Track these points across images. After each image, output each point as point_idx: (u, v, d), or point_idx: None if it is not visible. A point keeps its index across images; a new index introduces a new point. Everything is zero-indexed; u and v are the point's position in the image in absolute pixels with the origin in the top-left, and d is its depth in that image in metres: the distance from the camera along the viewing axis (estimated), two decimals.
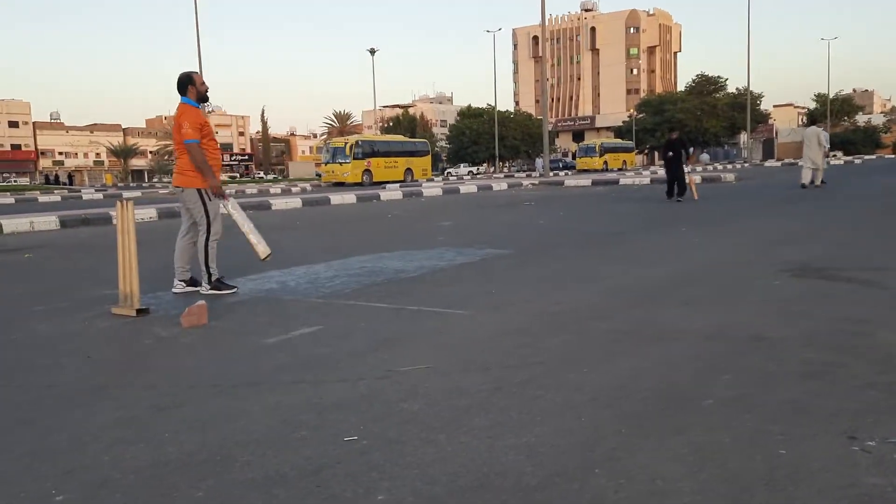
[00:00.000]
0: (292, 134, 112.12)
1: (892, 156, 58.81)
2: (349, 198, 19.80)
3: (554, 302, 4.64)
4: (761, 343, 3.42)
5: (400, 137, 45.43)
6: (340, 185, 33.33)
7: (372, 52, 57.22)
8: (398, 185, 31.49)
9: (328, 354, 3.53)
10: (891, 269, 5.39)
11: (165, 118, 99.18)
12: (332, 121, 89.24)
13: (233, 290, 5.36)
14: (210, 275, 5.36)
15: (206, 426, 2.58)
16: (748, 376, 2.92)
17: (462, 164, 70.45)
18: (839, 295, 4.54)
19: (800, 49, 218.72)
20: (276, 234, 9.70)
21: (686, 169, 16.00)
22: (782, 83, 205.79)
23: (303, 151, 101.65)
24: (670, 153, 15.61)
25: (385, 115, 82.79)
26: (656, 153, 79.34)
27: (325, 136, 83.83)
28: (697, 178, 18.52)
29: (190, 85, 5.40)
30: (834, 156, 50.95)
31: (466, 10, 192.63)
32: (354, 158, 35.23)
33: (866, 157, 54.32)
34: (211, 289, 5.32)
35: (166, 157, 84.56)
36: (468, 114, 72.10)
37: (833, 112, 68.77)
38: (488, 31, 67.31)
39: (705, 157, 69.96)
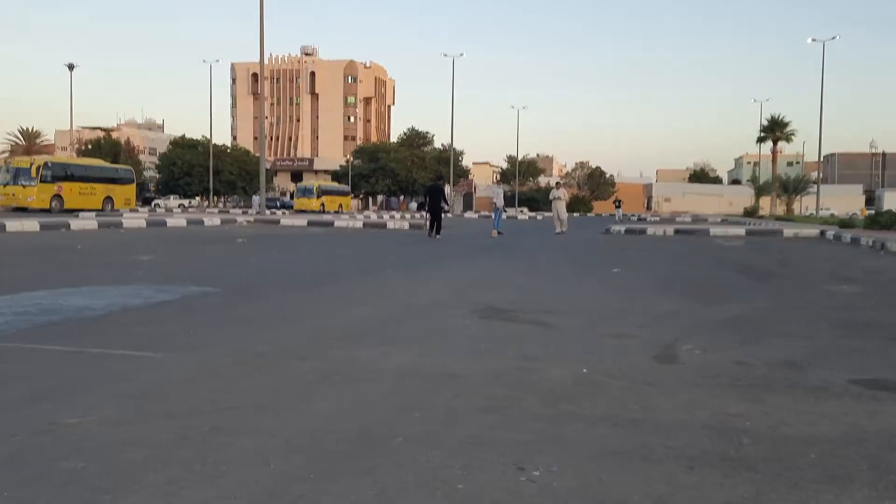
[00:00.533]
0: None
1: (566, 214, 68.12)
2: (31, 225, 17.40)
3: (257, 342, 4.46)
4: (451, 380, 3.61)
5: (100, 162, 41.31)
6: (22, 211, 29.18)
7: (70, 67, 51.69)
8: (94, 213, 28.47)
9: None
10: (560, 311, 6.11)
11: None
12: (17, 137, 78.28)
13: None
14: None
15: None
16: (437, 413, 3.04)
17: (172, 196, 66.20)
18: (519, 334, 5.01)
19: (496, 114, 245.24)
20: None
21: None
22: (481, 143, 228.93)
23: None
24: (429, 197, 18.54)
25: (84, 137, 74.90)
26: (370, 199, 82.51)
27: (6, 155, 72.97)
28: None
29: None
30: (521, 211, 57.70)
31: (182, 35, 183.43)
32: (42, 181, 31.22)
33: (547, 214, 62.12)
34: None
35: None
36: (182, 144, 68.33)
37: (521, 173, 77.62)
38: (205, 62, 64.83)
39: (414, 205, 74.40)
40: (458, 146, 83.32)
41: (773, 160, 61.58)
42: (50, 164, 33.03)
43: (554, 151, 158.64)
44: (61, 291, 6.48)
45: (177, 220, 23.42)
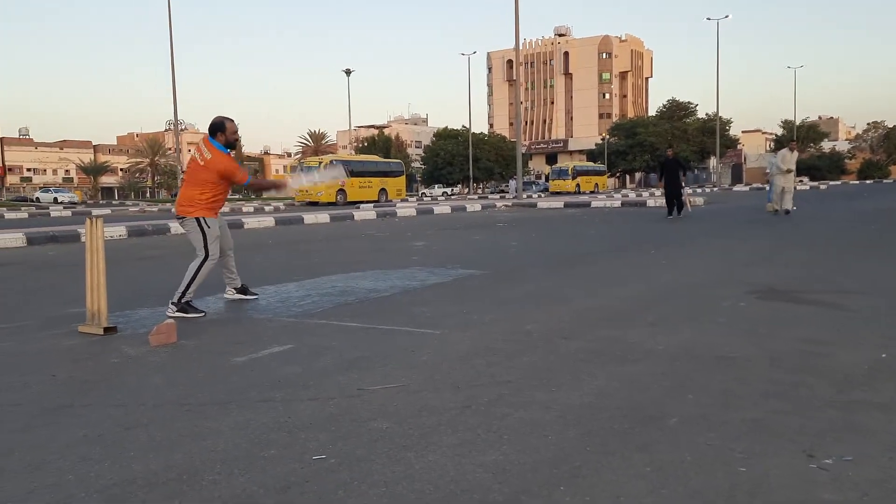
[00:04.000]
0: (266, 153, 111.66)
1: (857, 182, 60.26)
2: (323, 217, 19.76)
3: (524, 322, 4.68)
4: (726, 363, 3.49)
5: (374, 157, 45.49)
6: (314, 205, 33.24)
7: (348, 72, 57.47)
8: (372, 205, 31.49)
9: (298, 373, 3.52)
10: (851, 291, 5.52)
11: (137, 135, 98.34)
12: (307, 140, 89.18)
13: (200, 315, 5.31)
14: (183, 294, 5.33)
15: (173, 445, 2.57)
16: (713, 396, 2.98)
17: (436, 185, 70.72)
18: (802, 317, 4.64)
19: (767, 77, 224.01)
20: (246, 253, 9.67)
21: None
22: (750, 110, 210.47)
23: (276, 170, 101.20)
24: (667, 173, 16.42)
25: (360, 136, 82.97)
26: (628, 176, 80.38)
27: (299, 156, 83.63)
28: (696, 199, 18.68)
29: (220, 132, 5.60)
30: (800, 181, 52.10)
31: (441, 32, 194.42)
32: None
33: (832, 182, 55.58)
34: (177, 310, 5.28)
35: (137, 175, 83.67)
36: (443, 135, 72.53)
37: (799, 138, 70.35)
38: (463, 55, 68.05)
39: None
40: (725, 114, 77.92)
41: None
42: (334, 162, 37.11)
43: (839, 113, 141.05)
44: (352, 275, 7.35)
45: (442, 208, 25.00)
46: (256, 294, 6.07)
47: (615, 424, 2.66)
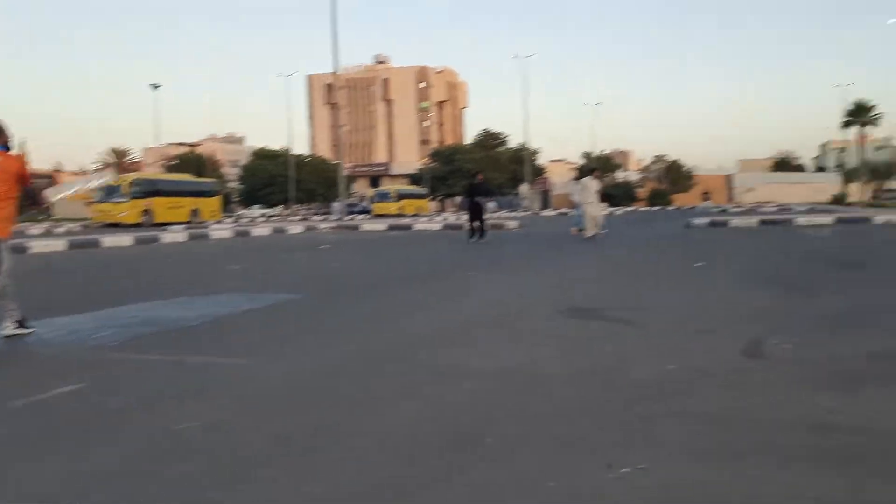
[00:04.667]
0: (57, 170, 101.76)
1: (645, 208, 66.55)
2: (125, 240, 18.37)
3: (343, 346, 4.62)
4: (538, 381, 3.65)
5: (186, 176, 43.23)
6: (115, 227, 30.83)
7: (154, 86, 54.37)
8: (184, 226, 29.81)
9: (91, 416, 3.19)
10: (645, 309, 6.03)
11: None
12: (109, 156, 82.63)
13: None
14: None
15: None
16: (526, 414, 3.08)
17: (255, 206, 68.54)
18: (605, 333, 4.99)
19: (571, 111, 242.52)
20: (31, 281, 8.73)
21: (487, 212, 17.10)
22: (557, 141, 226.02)
23: (76, 189, 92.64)
24: (473, 197, 16.51)
25: (170, 154, 78.43)
26: (447, 201, 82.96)
27: (97, 173, 77.18)
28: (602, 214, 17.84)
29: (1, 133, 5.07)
30: (605, 207, 56.72)
31: (258, 52, 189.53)
32: (132, 197, 32.93)
33: (626, 209, 60.96)
34: None
35: None
36: (262, 155, 70.66)
37: (594, 170, 76.48)
38: (280, 76, 66.71)
39: (492, 205, 74.31)
40: (532, 145, 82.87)
41: (861, 145, 58.62)
42: (139, 181, 34.75)
43: (631, 146, 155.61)
44: (156, 304, 6.85)
45: (261, 230, 24.26)
46: (34, 327, 5.23)
47: (433, 447, 2.68)
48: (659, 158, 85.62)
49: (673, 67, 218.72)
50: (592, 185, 17.38)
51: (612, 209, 54.11)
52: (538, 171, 77.59)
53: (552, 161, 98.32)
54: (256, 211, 66.68)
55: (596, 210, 17.09)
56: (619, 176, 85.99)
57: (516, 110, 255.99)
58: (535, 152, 74.55)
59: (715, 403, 3.16)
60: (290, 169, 62.51)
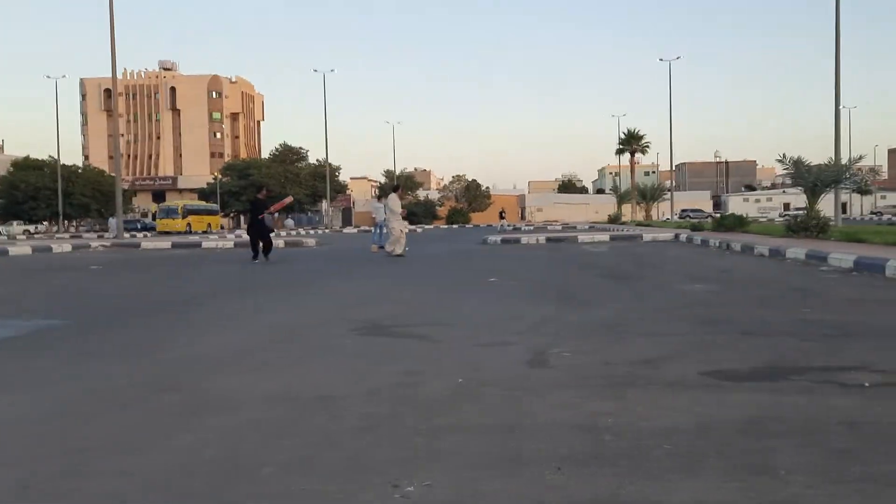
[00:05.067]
0: None
1: (446, 226, 69.01)
2: None
3: (113, 377, 4.18)
4: (326, 402, 3.54)
5: None
6: None
7: None
8: None
9: None
10: (440, 324, 6.16)
11: None
12: None
13: None
14: None
15: None
16: (311, 438, 2.97)
17: (16, 222, 61.24)
18: (399, 350, 4.99)
19: (373, 129, 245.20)
20: None
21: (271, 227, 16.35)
22: (358, 158, 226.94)
23: None
24: (256, 214, 15.72)
25: None
26: (242, 217, 79.93)
27: None
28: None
29: None
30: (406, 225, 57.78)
31: (21, 50, 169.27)
32: None
33: (427, 226, 62.76)
34: None
35: None
36: (25, 165, 63.40)
37: (398, 187, 77.96)
38: (49, 77, 60.38)
39: (290, 222, 72.88)
40: (334, 161, 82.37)
41: (632, 170, 65.67)
42: None
43: (432, 165, 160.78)
44: None
45: (21, 248, 21.64)
46: None
47: (207, 483, 2.46)
48: (458, 178, 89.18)
49: (472, 90, 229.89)
50: (395, 202, 17.18)
51: (413, 227, 55.45)
52: (340, 188, 77.36)
53: (354, 178, 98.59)
54: (17, 227, 59.59)
55: (398, 227, 16.93)
56: (421, 194, 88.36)
57: (317, 126, 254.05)
58: (336, 168, 74.22)
59: (500, 414, 3.25)
60: (59, 181, 56.62)
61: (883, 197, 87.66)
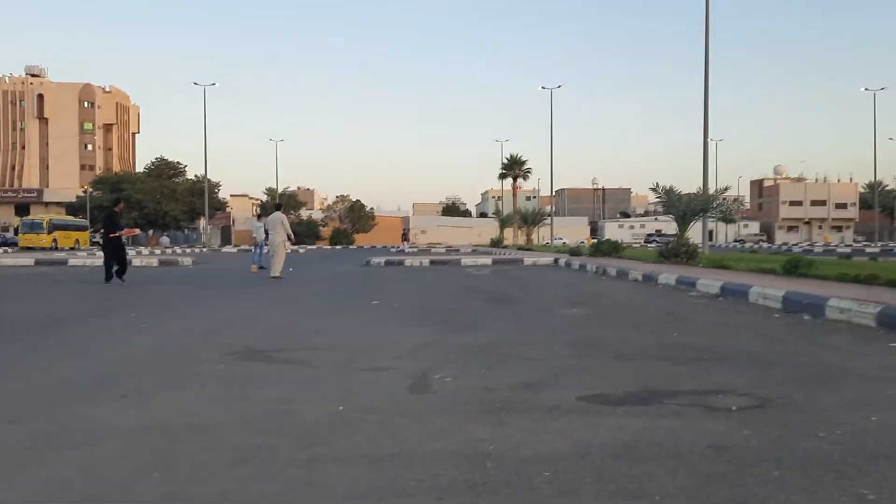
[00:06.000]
0: None
1: (329, 247, 68.13)
2: None
3: None
4: (199, 431, 3.37)
5: None
6: None
7: None
8: None
9: None
10: (319, 348, 6.03)
11: None
12: None
13: None
14: None
15: None
16: (180, 470, 2.81)
17: None
18: (275, 375, 4.84)
19: (254, 145, 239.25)
20: None
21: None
22: (239, 175, 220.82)
23: None
24: (110, 231, 14.61)
25: None
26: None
27: None
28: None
29: None
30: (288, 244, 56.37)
31: None
32: None
33: (310, 247, 61.71)
34: None
35: None
36: None
37: (281, 206, 76.35)
38: None
39: (165, 239, 69.72)
40: (214, 178, 79.70)
41: (514, 195, 67.45)
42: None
43: (315, 185, 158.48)
44: None
45: None
46: None
47: None
48: (342, 198, 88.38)
49: (356, 110, 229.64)
50: (279, 221, 16.62)
51: (296, 247, 54.35)
52: (219, 205, 74.85)
53: (234, 195, 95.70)
54: None
55: (281, 248, 16.45)
56: (304, 214, 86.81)
57: (196, 140, 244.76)
58: (216, 185, 71.76)
59: (380, 443, 3.20)
60: None
61: (745, 225, 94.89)
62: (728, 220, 73.24)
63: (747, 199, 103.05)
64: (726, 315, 8.50)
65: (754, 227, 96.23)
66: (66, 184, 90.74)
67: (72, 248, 48.31)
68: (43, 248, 45.09)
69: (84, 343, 6.38)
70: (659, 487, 2.62)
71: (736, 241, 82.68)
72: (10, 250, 43.65)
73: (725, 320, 8.02)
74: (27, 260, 24.17)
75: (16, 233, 55.43)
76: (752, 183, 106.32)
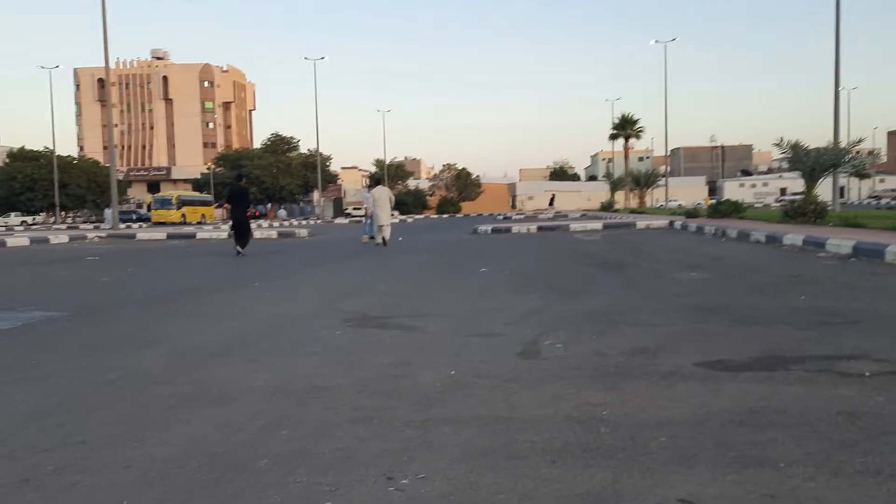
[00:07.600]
0: None
1: (436, 216, 68.86)
2: None
3: (108, 370, 4.17)
4: (321, 393, 3.54)
5: None
6: None
7: None
8: None
9: None
10: (430, 315, 6.15)
11: None
12: None
13: None
14: None
15: None
16: (307, 429, 2.97)
17: (13, 214, 61.08)
18: (388, 341, 5.00)
19: (363, 117, 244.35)
20: None
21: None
22: (349, 147, 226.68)
23: None
24: (234, 205, 15.27)
25: None
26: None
27: None
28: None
29: None
30: (392, 215, 57.62)
31: (14, 41, 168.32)
32: None
33: (417, 216, 62.69)
34: None
35: None
36: (21, 156, 63.14)
37: (389, 176, 77.88)
38: (43, 68, 59.93)
39: (282, 212, 72.70)
40: (325, 151, 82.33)
41: (626, 156, 65.22)
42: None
43: (422, 154, 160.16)
44: None
45: (18, 240, 21.57)
46: None
47: (204, 475, 2.47)
48: (448, 167, 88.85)
49: (462, 77, 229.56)
50: (384, 193, 17.58)
51: (403, 217, 55.34)
52: (331, 178, 77.14)
53: (345, 168, 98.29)
54: (15, 218, 59.43)
55: (386, 218, 17.29)
56: (412, 184, 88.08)
57: (308, 115, 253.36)
58: (327, 158, 73.98)
59: (493, 406, 3.26)
60: (55, 172, 56.41)
61: (882, 181, 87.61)
62: (862, 174, 67.96)
63: (884, 151, 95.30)
64: (859, 277, 7.97)
65: (892, 181, 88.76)
66: (191, 161, 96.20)
67: (199, 223, 51.29)
68: (173, 223, 48.15)
69: (214, 311, 6.82)
70: (784, 454, 2.52)
71: (871, 197, 76.68)
72: (144, 225, 46.95)
73: (858, 282, 7.53)
74: (160, 234, 25.94)
75: (149, 209, 59.55)
76: (890, 134, 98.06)
